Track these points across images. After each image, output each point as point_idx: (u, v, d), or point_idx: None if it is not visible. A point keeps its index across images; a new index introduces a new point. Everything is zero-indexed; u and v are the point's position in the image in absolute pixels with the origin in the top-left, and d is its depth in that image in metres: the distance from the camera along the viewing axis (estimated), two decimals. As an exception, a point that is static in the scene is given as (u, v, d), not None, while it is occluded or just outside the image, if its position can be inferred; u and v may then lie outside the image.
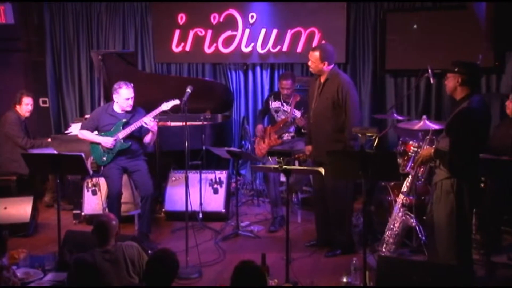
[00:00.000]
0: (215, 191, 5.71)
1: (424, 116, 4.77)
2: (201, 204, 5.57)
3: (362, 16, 6.40)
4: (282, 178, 5.60)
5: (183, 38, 6.77)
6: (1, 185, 5.82)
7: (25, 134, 5.99)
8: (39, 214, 5.72)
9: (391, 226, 4.60)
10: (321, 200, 4.84)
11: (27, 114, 6.04)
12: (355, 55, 6.49)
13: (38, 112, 7.14)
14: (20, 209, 5.32)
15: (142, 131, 5.12)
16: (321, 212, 4.89)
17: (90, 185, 5.60)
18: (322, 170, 4.12)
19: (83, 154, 4.41)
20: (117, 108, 5.12)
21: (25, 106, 5.98)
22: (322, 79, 4.66)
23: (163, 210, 5.75)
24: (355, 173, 3.72)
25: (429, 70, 4.93)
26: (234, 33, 6.64)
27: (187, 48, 6.78)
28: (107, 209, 5.16)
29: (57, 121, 7.27)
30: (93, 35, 7.04)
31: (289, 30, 6.50)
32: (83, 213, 5.59)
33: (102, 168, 5.15)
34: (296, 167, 5.08)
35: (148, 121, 4.97)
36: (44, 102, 7.24)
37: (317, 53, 4.58)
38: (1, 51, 7.06)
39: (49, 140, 5.94)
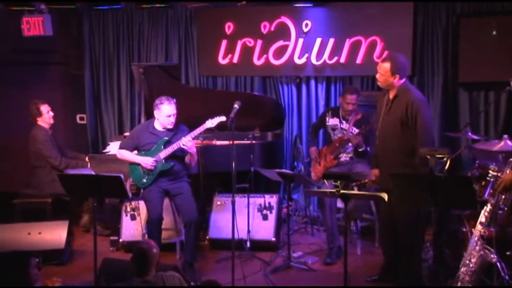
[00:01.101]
0: (265, 218, 5.72)
1: (506, 136, 4.62)
2: (249, 231, 5.58)
3: (431, 21, 6.32)
4: (340, 204, 5.55)
5: (230, 49, 6.87)
6: (36, 207, 6.03)
7: (60, 150, 6.20)
8: (75, 239, 5.88)
9: (467, 262, 4.45)
10: (387, 230, 4.75)
11: (52, 121, 6.21)
12: (423, 66, 6.40)
13: (75, 130, 7.39)
14: (55, 234, 5.47)
15: (185, 151, 5.20)
16: (387, 243, 4.79)
17: (129, 209, 5.72)
18: (384, 195, 4.05)
19: (122, 175, 4.51)
20: (158, 125, 5.23)
21: (47, 115, 6.16)
22: (391, 95, 4.57)
23: (208, 237, 5.79)
24: (424, 200, 3.64)
25: (511, 83, 4.79)
26: (287, 43, 6.68)
27: (235, 60, 6.88)
28: (146, 236, 5.25)
29: (94, 139, 7.49)
30: (134, 47, 7.26)
31: (347, 40, 6.49)
32: (121, 240, 5.71)
33: (142, 190, 5.25)
34: (356, 192, 5.01)
35: (186, 141, 5.05)
36: (81, 118, 7.48)
37: (387, 65, 4.48)
38: (38, 64, 7.37)
39: (86, 159, 6.11)
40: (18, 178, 6.62)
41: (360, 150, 5.54)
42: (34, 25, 6.33)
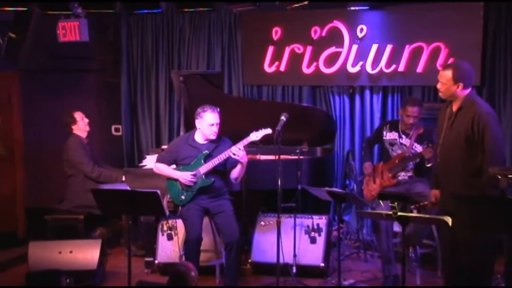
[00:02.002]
0: (313, 241, 5.67)
1: None
2: (295, 255, 5.53)
3: (504, 25, 6.17)
4: (397, 227, 5.46)
5: (277, 56, 6.89)
6: (67, 224, 6.17)
7: (95, 160, 6.33)
8: (108, 260, 5.97)
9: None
10: (450, 258, 4.63)
11: (88, 128, 6.40)
12: (494, 76, 6.25)
13: (110, 141, 7.53)
14: (87, 254, 5.55)
15: (227, 165, 5.22)
16: (450, 273, 4.68)
17: (165, 228, 5.77)
18: (448, 219, 3.95)
19: (159, 191, 4.56)
20: (199, 137, 5.28)
21: (82, 122, 6.36)
22: (455, 107, 4.47)
23: (250, 260, 5.77)
24: (493, 225, 3.53)
25: None
26: (339, 49, 6.66)
27: (282, 68, 6.89)
28: (184, 257, 5.27)
29: (130, 152, 7.62)
30: (174, 53, 7.37)
31: (407, 46, 6.42)
32: (156, 261, 5.75)
33: (180, 208, 5.29)
34: (415, 214, 4.92)
35: (237, 150, 5.06)
36: (116, 129, 7.62)
37: (449, 72, 4.39)
38: (72, 71, 7.57)
39: (122, 175, 6.20)
40: (52, 193, 6.78)
41: (428, 165, 5.44)
42: (70, 30, 6.50)
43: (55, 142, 7.26)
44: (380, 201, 5.07)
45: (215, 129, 5.18)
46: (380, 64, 6.53)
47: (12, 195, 7.30)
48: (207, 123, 5.16)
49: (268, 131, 5.13)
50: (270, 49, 6.92)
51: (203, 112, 5.17)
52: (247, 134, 5.18)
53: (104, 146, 7.34)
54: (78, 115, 6.35)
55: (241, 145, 5.12)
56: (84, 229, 6.16)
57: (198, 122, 5.22)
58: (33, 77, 7.30)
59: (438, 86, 4.49)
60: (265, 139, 5.23)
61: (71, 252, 5.54)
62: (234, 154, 5.06)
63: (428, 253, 5.79)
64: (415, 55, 6.41)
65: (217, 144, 5.26)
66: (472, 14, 6.17)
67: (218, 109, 5.21)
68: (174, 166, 5.35)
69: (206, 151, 5.20)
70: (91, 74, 7.66)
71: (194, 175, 5.16)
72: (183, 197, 5.21)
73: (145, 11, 7.23)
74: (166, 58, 7.40)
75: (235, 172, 5.21)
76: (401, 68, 6.47)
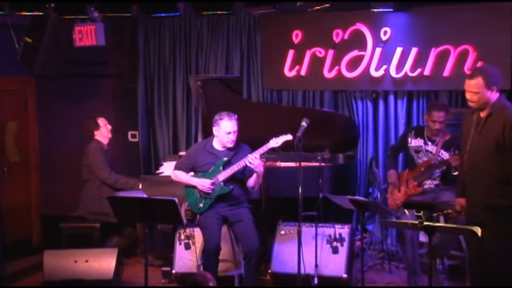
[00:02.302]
0: (335, 251, 5.65)
1: None
2: (316, 266, 5.51)
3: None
4: (423, 237, 5.42)
5: (298, 60, 6.89)
6: (83, 233, 6.22)
7: (113, 167, 6.39)
8: (124, 270, 5.99)
9: None
10: (480, 270, 4.57)
11: (110, 135, 6.50)
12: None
13: (126, 148, 7.59)
14: (103, 263, 5.60)
15: (245, 173, 5.23)
16: (479, 285, 4.61)
17: (183, 237, 5.79)
18: (478, 229, 3.91)
19: (176, 199, 4.58)
20: (217, 144, 5.29)
21: (105, 128, 6.46)
22: (483, 114, 4.40)
23: (270, 271, 5.76)
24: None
25: None
26: (362, 53, 6.64)
27: (303, 72, 6.89)
28: (202, 267, 5.29)
29: (147, 159, 7.67)
30: (192, 58, 7.40)
31: (433, 49, 6.37)
32: (174, 271, 5.77)
33: (198, 216, 5.31)
34: (442, 224, 4.88)
35: (253, 159, 5.06)
36: (133, 136, 7.68)
37: (479, 80, 4.29)
38: (89, 77, 7.64)
39: (138, 182, 6.24)
40: (67, 200, 6.83)
41: (455, 173, 5.39)
42: (86, 35, 6.56)
43: (70, 149, 7.34)
44: (405, 210, 5.04)
45: (232, 137, 5.19)
46: (404, 68, 6.49)
47: (27, 202, 7.37)
48: (224, 131, 5.17)
49: (289, 137, 5.13)
50: (291, 53, 6.92)
51: (220, 120, 5.18)
52: (267, 141, 5.18)
53: (120, 152, 7.37)
54: (101, 121, 6.45)
55: (258, 153, 5.11)
56: (100, 237, 6.21)
57: (215, 130, 5.24)
58: (49, 82, 7.37)
59: (469, 97, 4.36)
60: (286, 145, 5.23)
61: (86, 261, 5.59)
62: (250, 162, 5.06)
63: (456, 264, 5.73)
64: (442, 58, 6.36)
65: (235, 151, 5.27)
66: (503, 16, 6.09)
67: (236, 116, 5.21)
68: (192, 173, 5.37)
69: (225, 158, 5.22)
70: (107, 79, 7.72)
71: (213, 183, 5.17)
72: (201, 205, 5.22)
73: (163, 14, 7.26)
74: (184, 63, 7.44)
75: (251, 181, 5.22)
76: (426, 72, 6.42)
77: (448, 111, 5.60)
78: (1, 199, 6.19)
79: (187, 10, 7.08)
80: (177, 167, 5.41)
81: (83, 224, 6.25)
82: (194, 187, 5.25)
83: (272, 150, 5.29)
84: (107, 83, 7.73)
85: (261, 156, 5.23)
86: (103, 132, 6.45)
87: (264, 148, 5.15)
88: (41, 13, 6.33)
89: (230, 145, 5.23)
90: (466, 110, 4.84)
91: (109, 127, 6.49)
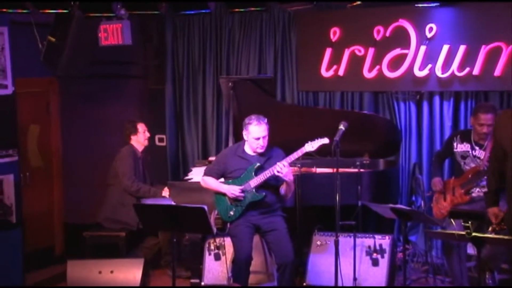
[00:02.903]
0: (375, 263, 5.64)
1: None
2: (355, 279, 5.52)
3: None
4: (471, 250, 5.38)
5: (336, 59, 6.90)
6: (108, 242, 6.30)
7: (141, 175, 6.45)
8: (151, 281, 6.06)
9: None
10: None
11: (147, 143, 6.63)
12: None
13: (153, 152, 7.63)
14: (129, 274, 5.66)
15: (280, 179, 5.25)
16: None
17: (212, 247, 5.84)
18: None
19: (205, 207, 4.63)
20: (248, 149, 5.34)
21: (143, 135, 6.58)
22: None
23: (305, 284, 5.78)
24: None
25: None
26: (405, 51, 6.62)
27: (341, 72, 6.89)
28: (232, 279, 5.32)
29: (175, 164, 7.74)
30: (222, 58, 7.45)
31: (483, 47, 6.30)
32: (203, 283, 5.83)
33: (228, 225, 5.35)
34: (492, 235, 4.83)
35: (281, 167, 5.08)
36: (160, 140, 7.75)
37: None
38: (114, 77, 7.76)
39: (165, 190, 6.31)
40: (91, 207, 6.90)
41: None
42: (112, 33, 6.65)
43: (95, 154, 7.47)
44: (452, 220, 5.01)
45: (262, 143, 5.23)
46: (451, 67, 6.44)
47: (49, 209, 7.50)
48: (253, 136, 5.22)
49: (325, 140, 5.15)
50: (328, 52, 6.92)
51: (248, 124, 5.23)
52: (302, 145, 5.20)
53: (147, 157, 7.45)
54: (141, 127, 6.57)
55: (289, 160, 5.14)
56: (125, 247, 6.28)
57: (245, 135, 5.30)
58: (73, 83, 7.49)
59: None
60: (322, 150, 5.25)
61: (111, 272, 5.65)
62: (278, 171, 5.08)
63: (508, 279, 5.66)
64: (492, 56, 6.29)
65: (268, 156, 5.30)
66: None
67: (266, 120, 5.25)
68: (222, 179, 5.42)
69: (258, 163, 5.25)
70: (133, 80, 7.83)
71: (243, 189, 5.21)
72: (231, 212, 5.26)
73: (192, 11, 7.33)
74: (214, 63, 7.50)
75: (282, 189, 5.28)
76: (475, 71, 6.36)
77: (496, 113, 5.55)
78: (23, 205, 6.31)
79: (217, 7, 7.17)
80: (206, 173, 5.47)
81: (108, 233, 6.33)
82: (224, 194, 5.29)
83: (308, 155, 5.32)
84: (133, 84, 7.84)
85: (296, 161, 5.25)
86: (140, 138, 6.56)
87: (299, 153, 5.18)
88: (65, 11, 6.44)
89: (260, 150, 5.27)
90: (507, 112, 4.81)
91: (148, 134, 6.62)
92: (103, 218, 6.38)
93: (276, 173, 5.11)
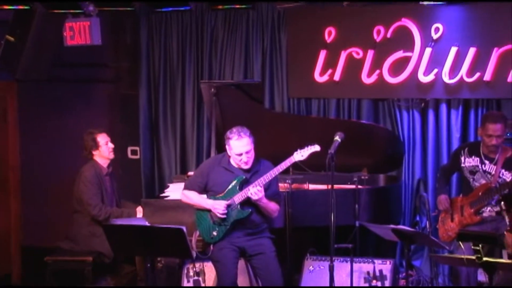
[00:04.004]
0: (374, 291, 5.69)
1: None
2: (352, 309, 5.56)
3: None
4: (481, 276, 5.43)
5: (331, 63, 6.93)
6: (73, 268, 6.24)
7: (109, 197, 6.40)
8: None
9: None
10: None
11: (112, 156, 6.45)
12: None
13: (125, 166, 7.65)
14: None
15: (267, 195, 5.25)
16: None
17: (192, 274, 5.84)
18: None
19: (184, 228, 4.64)
20: (233, 161, 5.35)
21: (105, 147, 6.38)
22: None
23: (295, 315, 5.81)
24: None
25: None
26: (408, 54, 6.68)
27: (337, 77, 6.93)
28: (214, 309, 5.34)
29: (150, 180, 7.71)
30: (204, 60, 7.44)
31: (495, 49, 6.40)
32: (180, 314, 5.84)
33: (211, 247, 5.35)
34: (505, 260, 4.89)
35: (254, 191, 5.09)
36: (133, 152, 7.74)
37: None
38: (81, 82, 7.75)
39: (138, 209, 6.27)
40: (54, 228, 6.87)
41: None
42: (79, 32, 6.64)
43: (58, 167, 7.43)
44: (460, 242, 5.04)
45: (245, 159, 5.22)
46: (460, 71, 6.51)
47: (6, 231, 7.44)
48: (234, 152, 5.23)
49: (316, 148, 5.15)
50: (322, 54, 6.96)
51: (229, 139, 5.24)
52: (290, 154, 5.21)
53: (118, 171, 7.42)
54: (102, 138, 6.37)
55: (275, 172, 5.14)
56: (92, 274, 6.23)
57: (227, 149, 5.31)
58: (34, 88, 7.47)
59: None
60: (315, 164, 5.28)
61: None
62: (251, 194, 5.10)
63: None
64: (505, 60, 6.38)
65: (256, 169, 5.32)
66: None
67: (248, 132, 5.24)
68: (205, 195, 5.42)
69: (243, 176, 5.27)
70: (103, 85, 7.82)
71: (229, 204, 5.23)
72: (215, 233, 5.26)
73: (170, 8, 7.33)
74: (195, 66, 7.49)
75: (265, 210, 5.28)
76: (487, 76, 6.45)
77: (506, 123, 5.61)
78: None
79: (198, 4, 7.17)
80: (187, 186, 5.46)
81: (73, 258, 6.21)
82: (207, 210, 5.30)
83: (299, 169, 5.33)
84: (103, 90, 7.83)
85: (286, 177, 5.24)
86: (103, 152, 6.38)
87: (287, 163, 5.17)
88: (26, 7, 6.42)
89: (244, 167, 5.27)
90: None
91: (111, 146, 6.41)
92: (76, 249, 6.29)
93: (249, 194, 5.12)
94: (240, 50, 7.33)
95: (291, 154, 5.21)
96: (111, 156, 6.45)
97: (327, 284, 5.11)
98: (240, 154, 5.21)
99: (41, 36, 6.49)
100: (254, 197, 5.10)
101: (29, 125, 7.64)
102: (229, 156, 5.36)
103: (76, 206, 6.32)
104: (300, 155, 5.18)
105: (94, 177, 6.29)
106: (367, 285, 5.69)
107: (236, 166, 5.33)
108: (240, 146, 5.19)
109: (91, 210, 6.17)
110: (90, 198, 6.21)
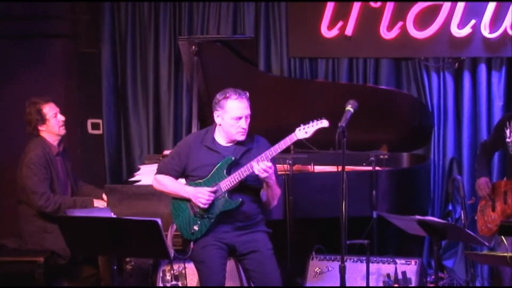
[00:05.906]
0: (396, 297, 5.72)
1: None
2: (368, 320, 5.58)
3: None
4: (528, 278, 5.43)
5: (341, 14, 6.93)
6: (20, 271, 6.24)
7: (61, 183, 6.36)
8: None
9: None
10: None
11: (63, 131, 6.34)
12: None
13: (85, 144, 7.64)
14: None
15: (261, 180, 5.24)
16: None
17: (169, 277, 5.86)
18: None
19: (159, 220, 4.61)
20: (220, 137, 5.32)
21: (54, 120, 6.26)
22: None
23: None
24: None
25: None
26: (438, 2, 6.67)
27: (348, 31, 6.93)
28: (197, 321, 5.35)
29: (116, 161, 7.73)
30: (182, 12, 7.43)
31: (547, -4, 6.41)
32: (154, 328, 5.85)
33: (191, 245, 5.34)
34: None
35: (261, 167, 5.06)
36: (95, 126, 7.73)
37: None
38: (30, 37, 7.67)
39: (91, 199, 6.27)
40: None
41: None
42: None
43: (1, 145, 7.40)
44: (503, 237, 5.06)
45: (243, 124, 5.19)
46: (503, 23, 6.52)
47: None
48: (231, 116, 5.17)
49: (324, 124, 5.10)
50: (330, 5, 6.95)
51: (224, 100, 5.19)
52: (292, 131, 5.18)
53: (75, 150, 7.40)
54: (49, 110, 6.23)
55: (274, 152, 5.09)
56: (44, 278, 6.24)
57: (218, 115, 5.25)
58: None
59: None
60: (322, 139, 5.26)
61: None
62: (259, 171, 5.04)
63: None
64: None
65: (248, 147, 5.28)
66: None
67: (247, 94, 5.23)
68: (183, 180, 5.41)
69: (231, 157, 5.24)
70: (57, 41, 7.76)
71: (214, 191, 5.21)
72: (196, 227, 5.25)
73: None
74: (171, 19, 7.48)
75: (264, 194, 5.25)
76: (537, 29, 6.47)
77: None
78: None
79: None
80: (161, 170, 5.43)
81: (20, 258, 6.23)
82: (186, 200, 5.28)
83: (302, 147, 5.31)
84: (56, 47, 7.77)
85: (285, 156, 5.22)
86: (52, 127, 6.26)
87: (287, 142, 5.11)
88: None
89: (240, 137, 5.23)
90: None
91: (61, 118, 6.29)
92: (25, 248, 6.29)
93: (256, 172, 5.08)
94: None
95: (292, 130, 5.16)
96: (62, 131, 6.33)
97: None
98: (240, 118, 5.15)
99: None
100: (264, 175, 5.05)
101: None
102: (214, 132, 5.32)
103: (21, 196, 6.27)
104: (303, 132, 5.12)
105: (41, 158, 6.19)
106: (387, 290, 5.72)
107: (223, 143, 5.29)
108: (239, 108, 5.14)
109: (36, 200, 6.09)
110: (35, 184, 6.13)
